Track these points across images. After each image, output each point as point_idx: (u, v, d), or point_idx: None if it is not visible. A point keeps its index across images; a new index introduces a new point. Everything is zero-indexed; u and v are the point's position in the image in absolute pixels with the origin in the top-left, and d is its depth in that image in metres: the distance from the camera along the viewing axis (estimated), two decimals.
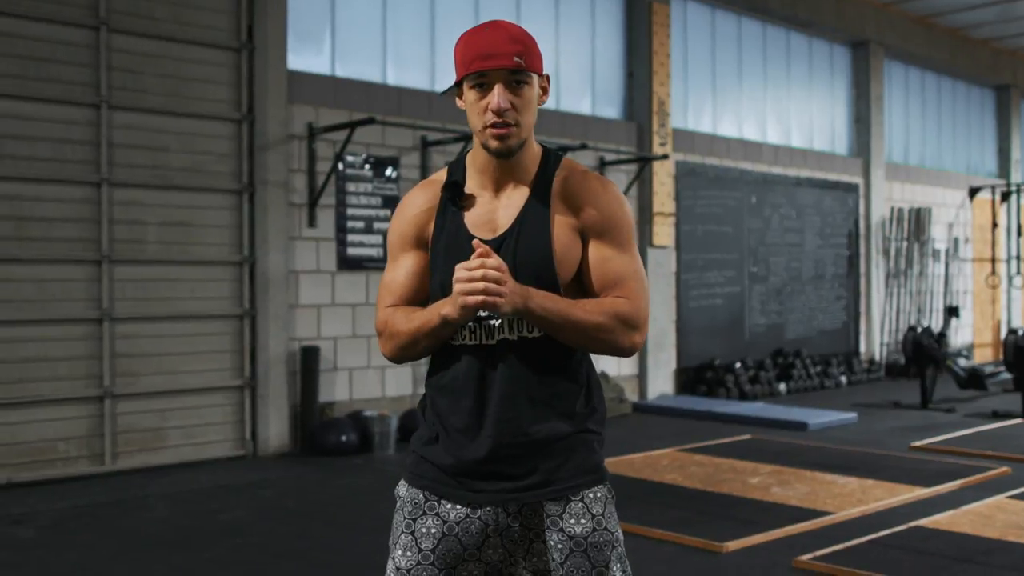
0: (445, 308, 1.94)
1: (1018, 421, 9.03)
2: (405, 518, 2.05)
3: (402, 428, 7.64)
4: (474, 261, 1.88)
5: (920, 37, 13.92)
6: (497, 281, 1.87)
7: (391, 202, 8.22)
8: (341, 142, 7.77)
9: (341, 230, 7.98)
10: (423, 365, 8.09)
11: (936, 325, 13.99)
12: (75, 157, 6.73)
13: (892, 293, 13.61)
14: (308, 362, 7.62)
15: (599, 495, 2.03)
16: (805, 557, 4.56)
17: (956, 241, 14.99)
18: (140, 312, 6.97)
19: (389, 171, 8.27)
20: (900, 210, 13.70)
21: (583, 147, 9.10)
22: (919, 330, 10.33)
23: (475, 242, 1.92)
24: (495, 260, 1.89)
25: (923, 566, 4.47)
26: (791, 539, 4.98)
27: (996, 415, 9.41)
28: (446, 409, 2.04)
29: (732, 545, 4.82)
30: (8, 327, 6.44)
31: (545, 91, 2.03)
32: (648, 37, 10.32)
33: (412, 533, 2.03)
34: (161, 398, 7.05)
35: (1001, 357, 11.08)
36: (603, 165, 10.00)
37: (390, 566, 2.04)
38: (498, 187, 2.05)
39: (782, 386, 11.14)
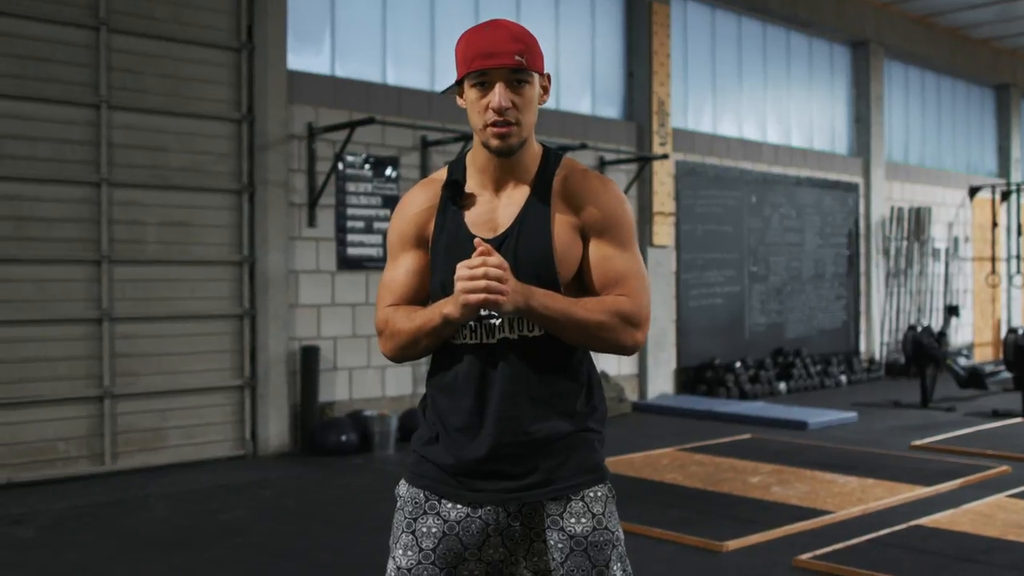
0: (447, 307, 1.93)
1: (1018, 420, 9.03)
2: (406, 517, 2.05)
3: (402, 428, 7.64)
4: (475, 259, 1.88)
5: (920, 37, 13.92)
6: (499, 279, 1.86)
7: (391, 202, 8.22)
8: (341, 142, 7.77)
9: (341, 230, 7.98)
10: (423, 365, 8.09)
11: (936, 324, 13.99)
12: (75, 157, 6.73)
13: (892, 292, 13.61)
14: (308, 362, 7.61)
15: (600, 494, 2.03)
16: (805, 556, 4.56)
17: (956, 240, 14.99)
18: (140, 312, 6.97)
19: (389, 171, 8.27)
20: (900, 209, 13.70)
21: (583, 147, 9.10)
22: (919, 329, 10.33)
23: (476, 241, 1.92)
24: (496, 258, 1.88)
25: (923, 565, 4.47)
26: (791, 538, 4.98)
27: (996, 414, 9.41)
28: (446, 408, 2.04)
29: (732, 544, 4.82)
30: (8, 327, 6.44)
31: (546, 90, 2.03)
32: (648, 37, 10.32)
33: (413, 532, 2.03)
34: (161, 398, 7.05)
35: (1001, 356, 11.09)
36: (603, 165, 10.00)
37: (391, 565, 2.04)
38: (498, 186, 2.05)
39: (782, 385, 11.14)
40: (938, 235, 14.57)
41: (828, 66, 13.12)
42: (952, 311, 13.02)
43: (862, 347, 13.25)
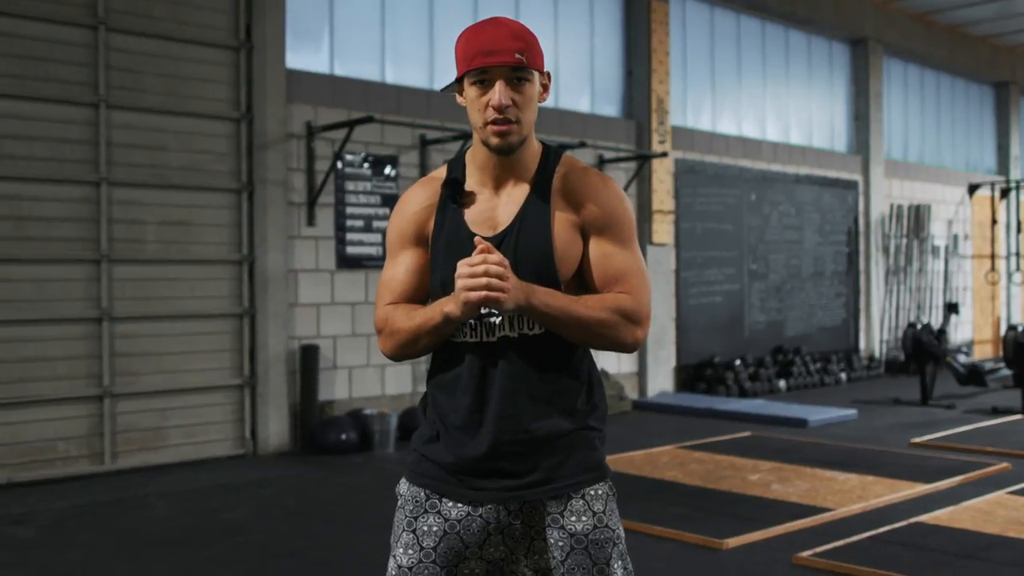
0: (448, 305, 1.93)
1: (1018, 417, 9.04)
2: (407, 516, 2.05)
3: (402, 426, 7.64)
4: (476, 257, 1.88)
5: (919, 34, 13.92)
6: (499, 277, 1.86)
7: (390, 201, 8.21)
8: (340, 141, 7.77)
9: (340, 229, 7.98)
10: (422, 363, 8.09)
11: (936, 322, 13.99)
12: (74, 156, 6.72)
13: (892, 290, 13.61)
14: (308, 361, 7.61)
15: (600, 492, 2.03)
16: (805, 554, 4.56)
17: (955, 238, 14.99)
18: (139, 311, 6.97)
19: (388, 170, 8.27)
20: (899, 207, 13.70)
21: (582, 145, 9.10)
22: (919, 327, 10.33)
23: (476, 239, 1.92)
24: (497, 256, 1.88)
25: (923, 562, 4.47)
26: (791, 536, 4.98)
27: (996, 411, 9.41)
28: (447, 407, 2.04)
29: (732, 542, 4.82)
30: (8, 327, 6.44)
31: (546, 88, 2.03)
32: (647, 35, 10.32)
33: (414, 531, 2.03)
34: (161, 397, 7.05)
35: (1001, 353, 11.09)
36: (602, 163, 10.00)
37: (392, 564, 2.04)
38: (498, 184, 2.05)
39: (782, 383, 11.14)
40: (937, 232, 14.57)
41: (827, 63, 13.12)
42: (952, 308, 13.02)
43: (862, 344, 13.25)
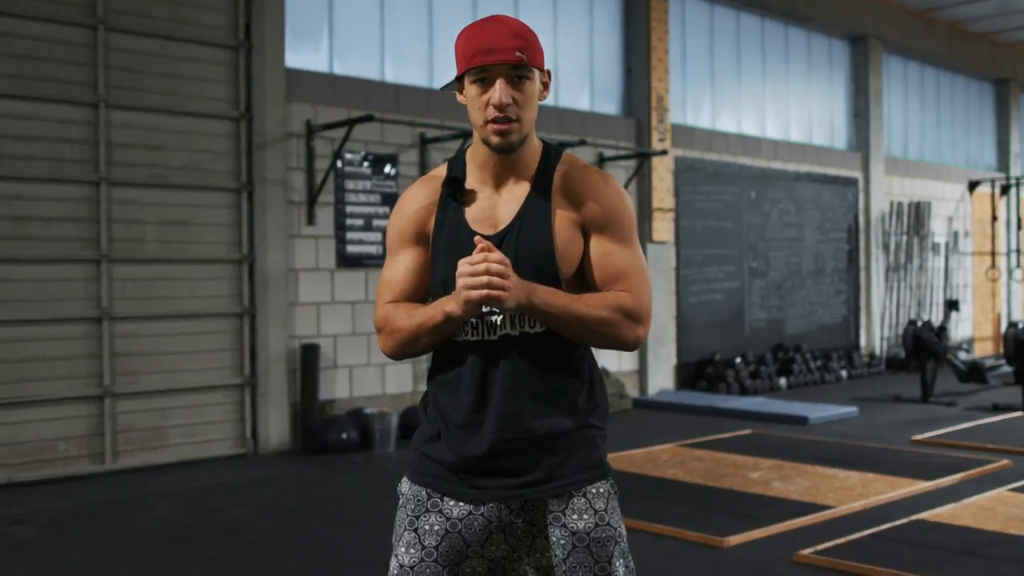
0: (449, 304, 1.93)
1: (1019, 414, 9.03)
2: (408, 515, 2.05)
3: (402, 425, 7.64)
4: (476, 256, 1.87)
5: (919, 31, 13.91)
6: (500, 275, 1.86)
7: (390, 199, 8.21)
8: (340, 140, 7.76)
9: (340, 228, 7.98)
10: (423, 362, 8.09)
11: (936, 319, 13.99)
12: (73, 156, 6.72)
13: (892, 287, 13.60)
14: (308, 360, 7.61)
15: (602, 490, 2.03)
16: (806, 551, 4.56)
17: (956, 235, 14.99)
18: (139, 311, 6.96)
19: (388, 168, 8.27)
20: (900, 204, 13.70)
21: (582, 143, 9.09)
22: (919, 324, 10.33)
23: (477, 238, 1.91)
24: (498, 255, 1.88)
25: (924, 559, 4.47)
26: (792, 533, 4.97)
27: (997, 408, 9.41)
28: (448, 405, 2.04)
29: (733, 540, 4.82)
30: (7, 327, 6.43)
31: (546, 86, 2.02)
32: (646, 33, 10.31)
33: (415, 530, 2.02)
34: (161, 397, 7.05)
35: (1001, 350, 11.10)
36: (602, 161, 9.99)
37: (393, 563, 2.03)
38: (499, 182, 2.05)
39: (782, 381, 11.14)
40: (938, 229, 14.57)
41: (827, 61, 13.11)
42: (952, 305, 13.03)
43: (862, 342, 13.25)
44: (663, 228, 10.43)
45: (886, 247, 13.56)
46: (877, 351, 13.32)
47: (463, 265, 1.88)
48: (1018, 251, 15.75)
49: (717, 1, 11.48)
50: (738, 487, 6.02)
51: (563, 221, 2.01)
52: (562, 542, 1.98)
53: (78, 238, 6.72)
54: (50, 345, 6.59)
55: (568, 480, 2.00)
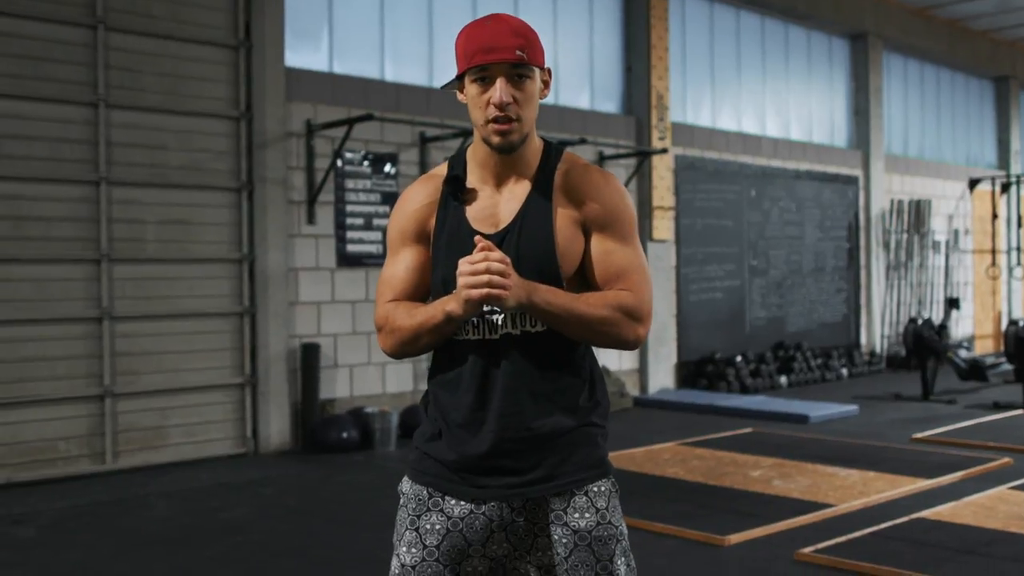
0: (449, 304, 1.93)
1: (1019, 412, 9.03)
2: (409, 515, 2.04)
3: (403, 424, 7.64)
4: (477, 255, 1.87)
5: (919, 29, 13.90)
6: (501, 274, 1.86)
7: (390, 198, 8.21)
8: (340, 139, 7.76)
9: (340, 227, 7.97)
10: (424, 361, 8.08)
11: (937, 317, 13.98)
12: (73, 156, 6.72)
13: (892, 285, 13.60)
14: (308, 359, 7.61)
15: (603, 489, 2.02)
16: (807, 550, 4.56)
17: (956, 233, 14.98)
18: (140, 311, 6.96)
19: (388, 167, 8.26)
20: (900, 202, 13.69)
21: (582, 142, 9.09)
22: (920, 322, 10.33)
23: (477, 237, 1.91)
24: (498, 254, 1.88)
25: (925, 558, 4.47)
26: (793, 532, 4.97)
27: (997, 406, 9.41)
28: (449, 404, 2.03)
29: (734, 538, 4.82)
30: (7, 327, 6.43)
31: (547, 85, 2.02)
32: (646, 31, 10.31)
33: (417, 530, 2.02)
34: (161, 396, 7.05)
35: (1002, 348, 11.09)
36: (602, 159, 9.99)
37: (395, 563, 2.03)
38: (499, 181, 2.04)
39: (783, 379, 11.14)
40: (938, 227, 14.56)
41: (827, 59, 13.10)
42: (953, 303, 13.01)
43: (863, 340, 13.25)
44: (663, 226, 10.43)
45: (886, 245, 13.56)
46: (878, 349, 13.32)
47: (464, 264, 1.88)
48: (1018, 249, 15.74)
49: None
50: (739, 486, 6.02)
51: (564, 220, 2.00)
52: (564, 541, 1.98)
53: (78, 238, 6.72)
54: (50, 345, 6.59)
55: (569, 479, 1.99)
